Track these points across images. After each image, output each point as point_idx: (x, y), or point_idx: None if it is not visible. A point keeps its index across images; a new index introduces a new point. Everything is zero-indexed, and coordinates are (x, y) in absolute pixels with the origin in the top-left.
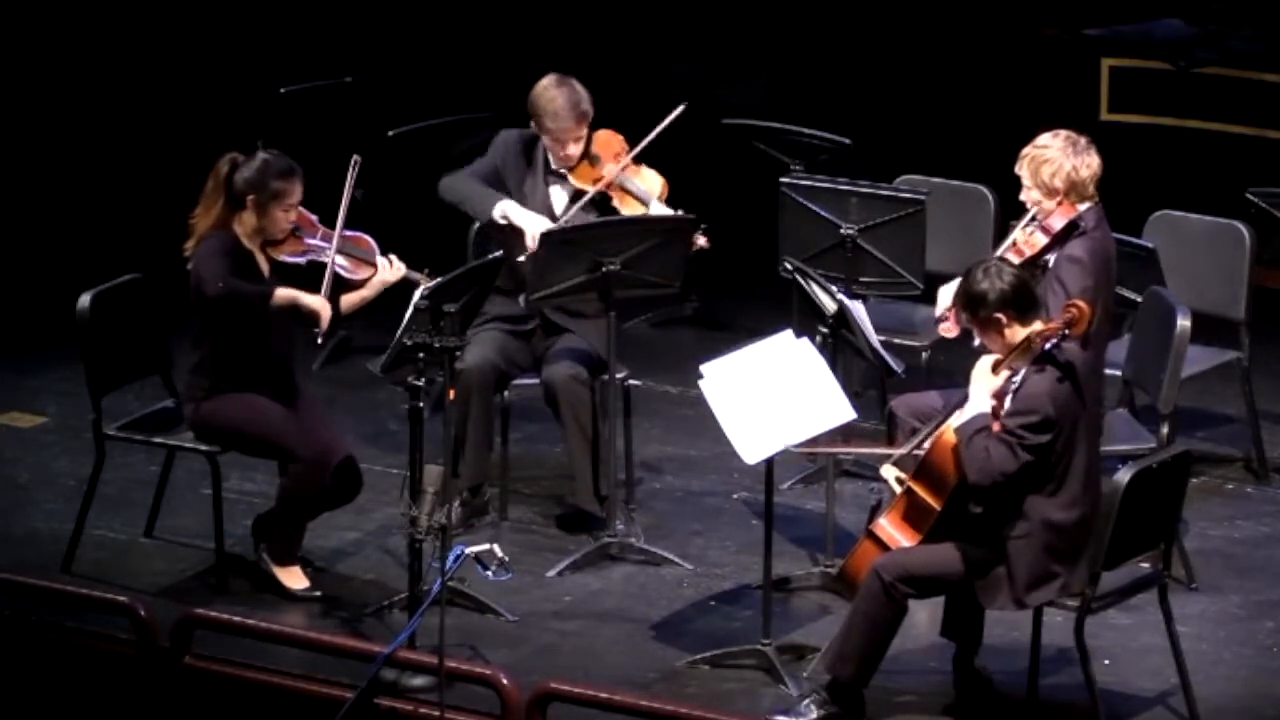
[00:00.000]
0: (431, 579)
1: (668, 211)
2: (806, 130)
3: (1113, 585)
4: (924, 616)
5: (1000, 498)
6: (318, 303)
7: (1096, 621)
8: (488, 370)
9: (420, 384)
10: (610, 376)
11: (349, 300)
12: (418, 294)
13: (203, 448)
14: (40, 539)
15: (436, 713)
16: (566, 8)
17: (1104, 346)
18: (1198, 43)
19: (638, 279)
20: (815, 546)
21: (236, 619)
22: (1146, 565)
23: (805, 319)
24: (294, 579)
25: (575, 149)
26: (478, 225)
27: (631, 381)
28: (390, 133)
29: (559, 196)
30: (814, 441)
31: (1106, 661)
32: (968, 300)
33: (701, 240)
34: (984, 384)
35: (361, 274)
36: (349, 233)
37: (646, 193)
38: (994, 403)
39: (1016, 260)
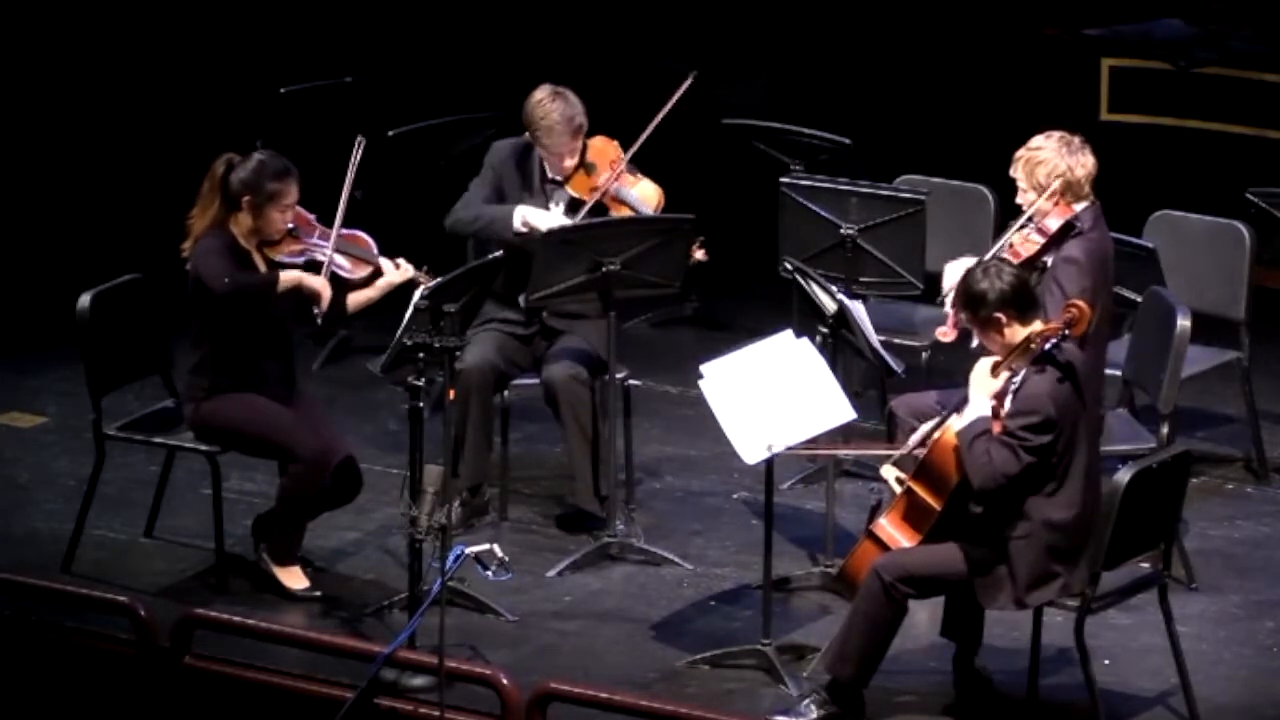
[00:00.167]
0: (431, 579)
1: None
2: (806, 130)
3: (1113, 585)
4: (924, 616)
5: (1000, 498)
6: (319, 282)
7: (1096, 621)
8: (487, 370)
9: (420, 384)
10: (610, 376)
11: (355, 300)
12: (418, 294)
13: (203, 448)
14: (40, 539)
15: (436, 713)
16: (566, 8)
17: (1104, 346)
18: (1198, 43)
19: (638, 279)
20: (815, 546)
21: (236, 619)
22: (1146, 565)
23: (805, 319)
24: (294, 579)
25: (571, 160)
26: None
27: (631, 381)
28: (390, 133)
29: (555, 206)
30: (814, 441)
31: (1106, 661)
32: (967, 300)
33: (700, 254)
34: (983, 387)
35: (360, 272)
36: (347, 231)
37: (641, 202)
38: (994, 403)
39: (1014, 262)
